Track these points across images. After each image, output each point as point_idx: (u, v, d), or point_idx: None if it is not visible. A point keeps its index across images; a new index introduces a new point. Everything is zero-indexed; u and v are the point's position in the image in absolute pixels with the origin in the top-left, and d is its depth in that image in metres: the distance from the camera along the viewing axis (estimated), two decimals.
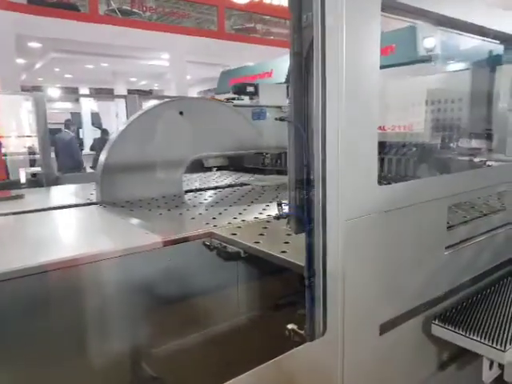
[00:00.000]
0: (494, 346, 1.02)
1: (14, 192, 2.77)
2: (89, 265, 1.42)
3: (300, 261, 1.25)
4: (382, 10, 0.89)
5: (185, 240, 1.65)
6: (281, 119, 1.02)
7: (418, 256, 1.11)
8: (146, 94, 12.69)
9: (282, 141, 3.10)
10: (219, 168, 4.08)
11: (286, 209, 1.07)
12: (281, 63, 3.57)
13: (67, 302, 1.44)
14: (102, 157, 2.42)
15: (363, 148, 0.89)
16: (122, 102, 4.75)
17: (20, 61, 8.38)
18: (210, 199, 2.51)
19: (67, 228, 1.97)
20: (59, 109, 16.73)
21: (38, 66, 8.83)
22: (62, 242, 1.70)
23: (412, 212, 1.05)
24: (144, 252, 1.54)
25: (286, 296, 1.74)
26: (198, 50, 7.11)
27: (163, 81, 11.04)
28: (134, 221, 1.96)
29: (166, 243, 1.59)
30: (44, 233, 1.78)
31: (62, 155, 7.33)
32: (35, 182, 3.93)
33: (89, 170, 9.78)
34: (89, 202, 2.44)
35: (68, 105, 17.47)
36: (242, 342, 1.78)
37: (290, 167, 1.03)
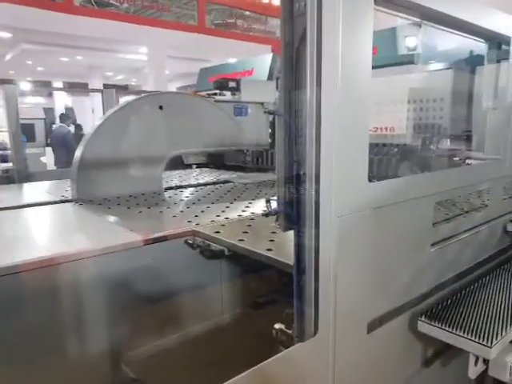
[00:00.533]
0: (480, 342, 1.02)
1: None
2: (65, 264, 1.36)
3: (286, 258, 1.23)
4: (375, 2, 0.87)
5: (166, 238, 1.60)
6: (270, 113, 0.99)
7: (406, 253, 1.11)
8: (123, 88, 12.42)
9: (263, 138, 3.13)
10: (199, 165, 4.04)
11: (274, 205, 1.04)
12: (262, 62, 3.54)
13: (42, 303, 1.37)
14: (78, 152, 2.34)
15: (356, 144, 0.87)
16: (98, 97, 4.62)
17: None
18: (191, 197, 2.46)
19: (41, 227, 1.89)
20: (31, 103, 16.24)
21: (8, 57, 8.48)
22: (34, 241, 1.62)
23: (400, 209, 1.04)
24: (124, 251, 1.49)
25: (267, 294, 1.72)
26: (177, 45, 6.98)
27: (141, 75, 10.82)
28: (113, 219, 1.89)
29: (147, 242, 1.54)
30: (14, 232, 1.69)
31: (57, 149, 7.15)
32: (6, 178, 3.78)
33: None
34: (63, 199, 2.36)
35: (41, 99, 16.99)
36: (224, 341, 1.75)
37: (279, 163, 1.00)
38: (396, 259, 1.07)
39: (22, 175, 3.79)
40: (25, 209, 2.12)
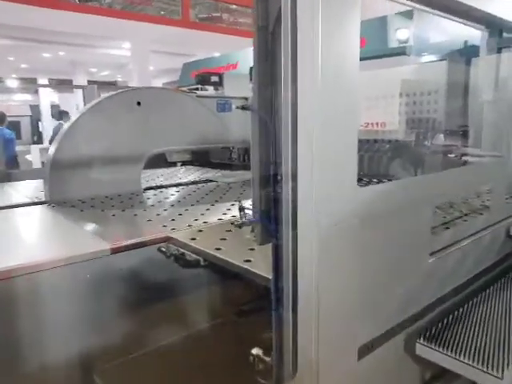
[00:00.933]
0: (490, 372, 0.89)
1: None
2: (26, 276, 1.21)
3: (266, 271, 1.10)
4: None
5: (137, 246, 1.46)
6: (243, 108, 0.85)
7: (401, 265, 0.98)
8: (109, 85, 12.17)
9: (248, 134, 2.98)
10: (184, 163, 3.88)
11: (249, 213, 0.90)
12: (247, 55, 3.39)
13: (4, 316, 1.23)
14: (51, 151, 2.18)
15: (343, 140, 0.73)
16: (81, 94, 4.45)
17: None
18: (171, 198, 2.31)
19: (8, 231, 1.72)
20: (19, 101, 15.92)
21: None
22: None
23: (394, 216, 0.91)
24: (91, 260, 1.35)
25: (251, 302, 1.59)
26: (161, 39, 6.78)
27: (126, 72, 10.58)
28: (82, 223, 1.74)
29: (115, 250, 1.39)
30: None
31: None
32: None
33: None
34: (37, 201, 2.20)
35: (28, 97, 16.65)
36: (203, 352, 1.63)
37: (254, 165, 0.87)
38: (390, 273, 0.94)
39: (1, 175, 3.61)
40: None
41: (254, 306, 1.60)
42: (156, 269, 1.57)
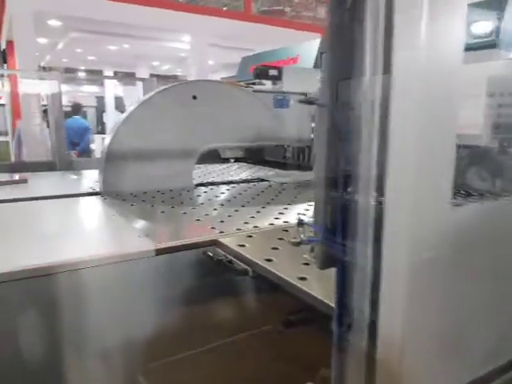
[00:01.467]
0: None
1: (21, 176, 2.59)
2: (63, 273, 1.17)
3: (325, 293, 0.95)
4: None
5: (184, 248, 1.37)
6: (308, 102, 0.71)
7: (503, 303, 0.79)
8: (169, 78, 12.45)
9: (304, 133, 2.84)
10: (237, 159, 3.81)
11: (308, 229, 0.76)
12: (309, 48, 3.22)
13: (41, 315, 1.19)
14: (107, 142, 2.17)
15: (440, 149, 0.57)
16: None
17: (42, 40, 8.24)
18: (221, 196, 2.22)
19: (51, 223, 1.71)
20: (85, 92, 16.83)
21: (60, 46, 8.66)
22: (31, 243, 1.43)
23: (500, 244, 0.73)
24: (134, 260, 1.28)
25: (299, 312, 1.46)
26: (221, 33, 6.75)
27: (185, 66, 10.75)
28: (130, 218, 1.69)
29: (160, 251, 1.31)
30: (18, 228, 1.53)
31: None
32: (49, 164, 3.76)
33: None
34: (91, 191, 2.21)
35: (94, 88, 17.55)
36: (247, 360, 1.52)
37: (318, 171, 0.72)
38: (490, 312, 0.76)
39: (63, 162, 3.75)
40: (47, 200, 1.98)
41: (302, 316, 1.47)
42: (201, 270, 1.47)
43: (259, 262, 1.18)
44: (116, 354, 1.38)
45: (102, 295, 1.29)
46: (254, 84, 2.63)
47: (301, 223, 0.76)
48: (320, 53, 0.85)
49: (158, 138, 2.24)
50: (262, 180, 2.76)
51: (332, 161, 0.70)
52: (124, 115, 2.23)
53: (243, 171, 3.16)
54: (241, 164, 3.65)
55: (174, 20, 6.34)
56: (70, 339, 1.27)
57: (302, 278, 1.06)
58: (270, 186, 2.56)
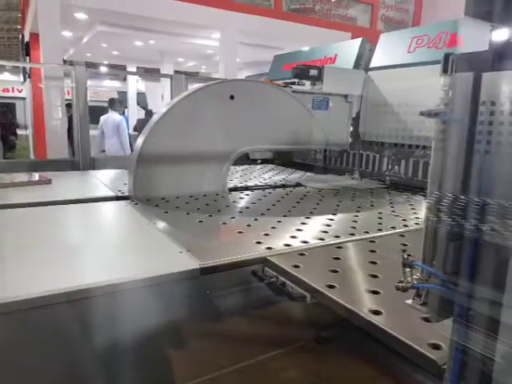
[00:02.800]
0: None
1: (44, 176, 2.46)
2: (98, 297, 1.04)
3: (407, 334, 0.80)
4: None
5: (231, 267, 1.24)
6: (433, 114, 0.56)
7: None
8: (194, 75, 12.39)
9: (342, 137, 2.68)
10: (265, 161, 3.68)
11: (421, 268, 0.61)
12: (348, 48, 3.05)
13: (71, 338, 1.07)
14: (139, 143, 2.05)
15: None
16: (167, 83, 4.43)
17: (67, 33, 8.22)
18: (257, 203, 2.08)
19: (80, 235, 1.59)
20: (107, 87, 16.92)
21: (85, 40, 8.64)
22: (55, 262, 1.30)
23: None
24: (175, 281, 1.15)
25: (331, 326, 1.32)
26: (250, 30, 6.59)
27: (210, 63, 10.64)
28: (167, 229, 1.56)
29: (206, 270, 1.18)
30: (43, 240, 1.42)
31: None
32: (71, 163, 3.68)
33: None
34: (120, 195, 2.09)
35: (116, 83, 17.64)
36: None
37: (438, 196, 0.57)
38: None
39: (86, 161, 3.68)
40: (74, 205, 1.87)
41: (335, 332, 1.33)
42: (247, 291, 1.34)
43: (322, 290, 1.03)
44: (148, 376, 1.26)
45: (139, 311, 1.16)
46: (293, 84, 2.49)
47: (408, 264, 0.61)
48: (445, 56, 0.73)
49: (193, 139, 2.12)
50: (299, 185, 2.62)
51: (460, 183, 0.55)
52: (158, 115, 2.10)
53: (274, 174, 3.02)
54: (269, 166, 3.51)
55: (204, 15, 6.22)
56: (107, 362, 1.15)
57: (376, 312, 0.92)
58: (308, 192, 2.40)
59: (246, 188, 2.44)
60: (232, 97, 2.17)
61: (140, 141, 2.05)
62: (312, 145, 2.62)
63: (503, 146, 0.55)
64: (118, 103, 7.05)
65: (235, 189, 2.40)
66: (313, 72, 2.44)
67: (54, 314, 1.00)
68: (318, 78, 2.46)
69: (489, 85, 0.55)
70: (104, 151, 6.92)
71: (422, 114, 0.57)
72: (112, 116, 6.80)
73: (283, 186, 2.56)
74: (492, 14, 0.65)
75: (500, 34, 0.65)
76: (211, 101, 2.14)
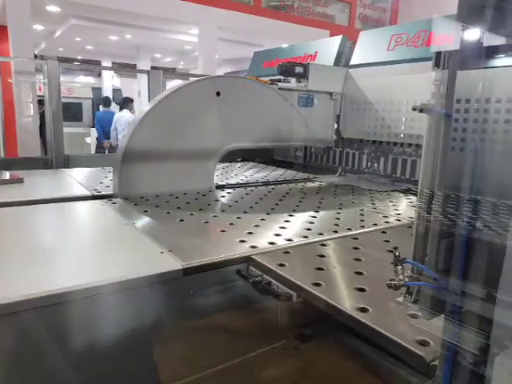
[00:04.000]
0: None
1: (15, 175, 2.36)
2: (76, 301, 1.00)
3: (395, 332, 0.80)
4: None
5: (214, 266, 1.21)
6: (421, 110, 0.55)
7: None
8: (171, 71, 12.20)
9: (328, 133, 2.68)
10: (244, 159, 3.66)
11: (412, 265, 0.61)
12: (328, 45, 3.06)
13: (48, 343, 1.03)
14: (124, 141, 2.00)
15: None
16: (144, 79, 4.35)
17: (38, 27, 7.95)
18: (240, 201, 2.05)
19: (55, 236, 1.53)
20: (81, 83, 16.48)
21: (57, 33, 8.36)
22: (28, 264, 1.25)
23: None
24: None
25: (314, 323, 1.32)
26: (230, 26, 6.52)
27: (189, 59, 10.49)
28: (148, 229, 1.52)
29: (188, 271, 1.15)
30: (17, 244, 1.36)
31: None
32: (44, 161, 3.56)
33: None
34: (95, 194, 2.02)
35: (92, 79, 17.20)
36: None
37: (428, 194, 0.57)
38: None
39: (59, 159, 3.58)
40: (47, 205, 1.80)
41: (318, 329, 1.33)
42: (230, 290, 1.31)
43: (309, 289, 1.02)
44: (132, 378, 1.23)
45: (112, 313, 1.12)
46: (278, 81, 2.51)
47: (399, 260, 0.60)
48: (437, 53, 0.73)
49: (179, 137, 2.08)
50: (280, 182, 2.61)
51: (453, 179, 0.55)
52: (142, 112, 2.05)
53: (256, 172, 3.00)
54: (249, 164, 3.49)
55: (182, 10, 6.11)
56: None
57: (363, 310, 0.91)
58: (290, 189, 2.40)
59: (229, 186, 2.41)
60: (218, 93, 2.15)
61: (126, 139, 2.00)
62: (297, 142, 2.63)
63: (494, 144, 0.55)
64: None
65: (217, 187, 2.37)
66: (298, 69, 2.45)
67: (27, 320, 0.95)
68: (303, 76, 2.48)
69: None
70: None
71: (413, 109, 0.56)
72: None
73: (266, 184, 2.55)
74: (483, 20, 0.65)
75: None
76: (197, 97, 2.11)
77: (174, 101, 2.04)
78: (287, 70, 2.39)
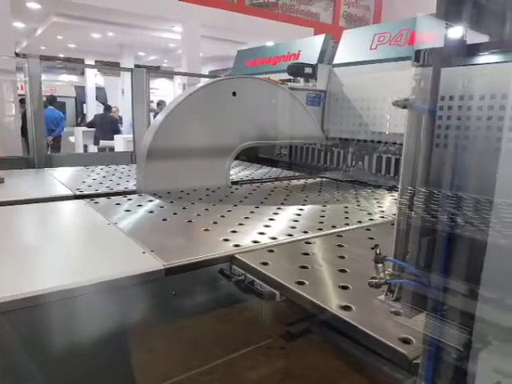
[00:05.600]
0: None
1: None
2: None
3: (378, 329, 0.80)
4: None
5: (194, 266, 1.19)
6: (404, 106, 0.54)
7: None
8: (155, 69, 12.08)
9: (318, 130, 2.72)
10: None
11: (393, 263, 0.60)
12: (311, 44, 3.05)
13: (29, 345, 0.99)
14: (147, 139, 2.08)
15: None
16: (128, 78, 4.27)
17: (19, 24, 7.78)
18: (224, 199, 2.04)
19: (32, 237, 1.50)
20: (64, 82, 16.20)
21: (39, 32, 8.20)
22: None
23: None
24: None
25: (300, 321, 1.31)
26: (213, 24, 6.48)
27: (173, 57, 10.39)
28: (129, 229, 1.49)
29: (170, 271, 1.13)
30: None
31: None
32: (25, 161, 3.47)
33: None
34: (78, 193, 1.99)
35: (74, 78, 16.92)
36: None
37: (405, 187, 0.57)
38: None
39: (41, 159, 3.49)
40: (28, 205, 1.76)
41: (304, 327, 1.32)
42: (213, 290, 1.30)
43: (292, 287, 1.01)
44: (114, 381, 1.20)
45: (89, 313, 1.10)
46: (288, 81, 2.66)
47: (380, 258, 0.59)
48: (416, 51, 0.72)
49: (197, 135, 2.17)
50: (271, 180, 2.62)
51: (434, 175, 0.54)
52: (163, 113, 2.14)
53: (241, 169, 2.99)
54: (236, 162, 3.46)
55: (165, 8, 6.05)
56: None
57: (345, 308, 0.91)
58: (275, 188, 2.39)
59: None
60: (234, 93, 2.25)
61: (150, 137, 2.07)
62: (308, 139, 2.76)
63: (475, 141, 0.54)
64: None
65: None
66: (307, 70, 2.58)
67: (5, 321, 0.92)
68: (311, 76, 2.56)
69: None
70: None
71: (394, 104, 0.55)
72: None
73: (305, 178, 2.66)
74: (462, 17, 0.65)
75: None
76: (215, 97, 2.21)
77: (193, 101, 2.15)
78: (296, 70, 2.54)
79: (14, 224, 1.55)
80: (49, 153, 3.54)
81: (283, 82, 2.55)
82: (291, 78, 2.66)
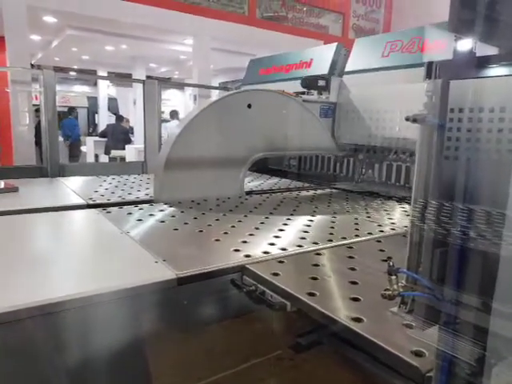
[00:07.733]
0: None
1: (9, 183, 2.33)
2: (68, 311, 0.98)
3: (386, 338, 0.80)
4: None
5: (205, 276, 1.20)
6: (414, 120, 0.55)
7: None
8: (166, 80, 12.24)
9: (330, 141, 2.74)
10: None
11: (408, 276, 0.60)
12: (323, 53, 3.08)
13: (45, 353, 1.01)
14: (165, 150, 2.14)
15: None
16: (140, 89, 4.34)
17: (35, 37, 7.98)
18: (234, 210, 2.05)
19: (46, 245, 1.53)
20: (77, 92, 16.49)
21: (54, 44, 8.40)
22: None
23: None
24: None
25: (310, 332, 1.30)
26: (224, 37, 6.57)
27: (184, 69, 10.54)
28: (142, 238, 1.51)
29: (182, 281, 1.14)
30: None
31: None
32: (39, 170, 3.53)
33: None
34: (90, 203, 2.02)
35: (87, 89, 17.22)
36: None
37: (423, 204, 0.57)
38: None
39: (54, 168, 3.54)
40: (42, 214, 1.79)
41: (314, 338, 1.31)
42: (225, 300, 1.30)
43: (303, 298, 1.01)
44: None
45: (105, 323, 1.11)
46: (302, 93, 2.70)
47: (393, 270, 0.59)
48: (427, 65, 0.72)
49: (215, 146, 2.22)
50: (281, 191, 2.63)
51: (446, 188, 0.54)
52: (182, 124, 2.19)
53: (251, 180, 3.00)
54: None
55: (177, 21, 6.16)
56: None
57: (357, 319, 0.91)
58: (284, 198, 2.40)
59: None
60: (249, 105, 2.30)
61: (167, 148, 2.13)
62: (320, 151, 2.83)
63: (485, 153, 0.55)
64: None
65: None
66: (321, 83, 2.63)
67: (22, 329, 0.94)
68: (325, 89, 2.61)
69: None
70: None
71: (406, 119, 0.56)
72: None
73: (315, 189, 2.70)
74: (474, 31, 0.66)
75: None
76: (231, 110, 2.27)
77: (211, 113, 2.20)
78: (310, 83, 2.60)
79: (29, 232, 1.57)
80: (64, 160, 3.58)
81: (297, 94, 2.59)
82: (305, 90, 2.70)
